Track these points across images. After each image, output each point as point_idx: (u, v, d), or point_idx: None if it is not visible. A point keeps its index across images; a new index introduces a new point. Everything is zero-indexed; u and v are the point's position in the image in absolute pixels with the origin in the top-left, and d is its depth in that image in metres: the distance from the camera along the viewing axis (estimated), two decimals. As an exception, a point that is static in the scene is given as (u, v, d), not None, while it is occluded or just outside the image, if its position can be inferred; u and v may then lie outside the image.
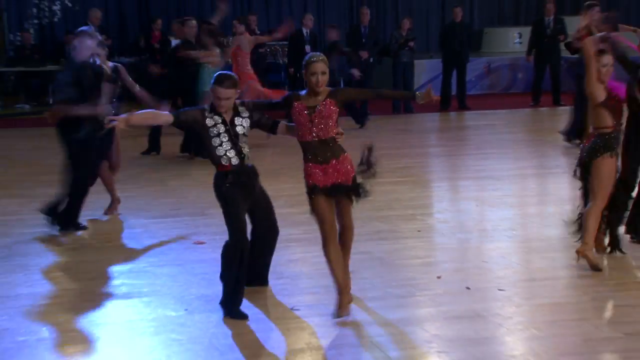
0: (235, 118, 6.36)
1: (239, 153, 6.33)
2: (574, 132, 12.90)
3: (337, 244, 6.30)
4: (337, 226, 6.34)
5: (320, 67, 6.10)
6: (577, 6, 22.10)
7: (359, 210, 9.33)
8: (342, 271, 6.28)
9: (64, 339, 6.02)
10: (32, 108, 18.11)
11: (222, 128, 6.30)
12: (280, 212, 8.14)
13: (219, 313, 6.31)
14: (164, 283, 7.01)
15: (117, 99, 9.11)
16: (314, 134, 6.18)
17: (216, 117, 6.30)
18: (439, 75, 18.26)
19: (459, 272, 7.42)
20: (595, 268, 7.15)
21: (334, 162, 6.20)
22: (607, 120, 7.28)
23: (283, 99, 6.46)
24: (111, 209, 9.38)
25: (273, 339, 5.86)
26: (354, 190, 6.32)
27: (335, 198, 6.27)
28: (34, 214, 9.44)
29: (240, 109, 6.43)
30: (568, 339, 5.86)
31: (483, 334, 5.95)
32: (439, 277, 7.12)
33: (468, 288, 6.80)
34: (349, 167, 6.28)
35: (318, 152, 6.18)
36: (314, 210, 6.28)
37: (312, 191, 6.23)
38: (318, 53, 6.34)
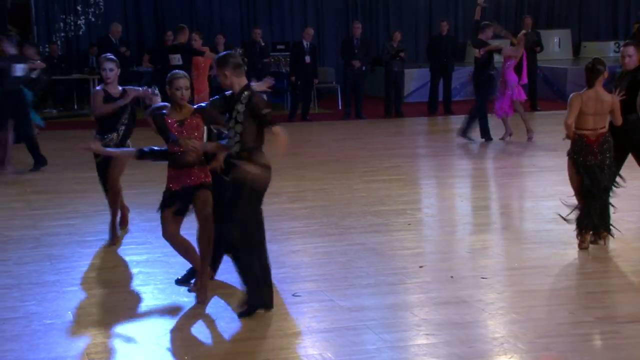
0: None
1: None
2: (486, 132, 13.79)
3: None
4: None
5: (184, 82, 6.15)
6: (552, 21, 22.18)
7: (354, 205, 9.41)
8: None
9: (86, 322, 6.00)
10: (59, 113, 18.14)
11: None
12: (282, 207, 8.13)
13: (226, 298, 6.28)
14: (177, 272, 6.97)
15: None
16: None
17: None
18: (427, 83, 18.26)
19: (446, 261, 7.40)
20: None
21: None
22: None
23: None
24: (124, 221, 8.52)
25: (276, 322, 5.82)
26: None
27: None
28: (58, 208, 9.45)
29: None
30: (545, 323, 5.84)
31: (467, 318, 5.93)
32: (421, 267, 7.09)
33: (452, 277, 6.77)
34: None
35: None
36: None
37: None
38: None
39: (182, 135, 6.10)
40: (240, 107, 5.75)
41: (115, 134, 7.83)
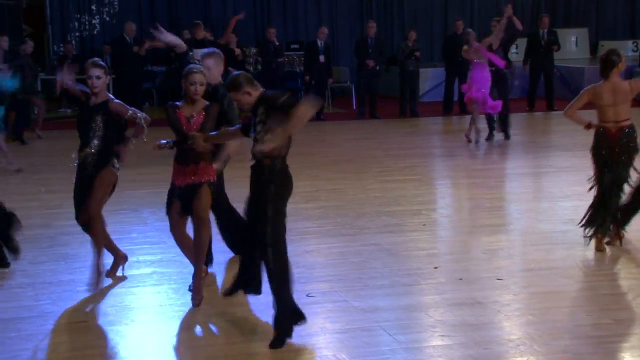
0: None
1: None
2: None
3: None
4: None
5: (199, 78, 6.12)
6: (569, 20, 22.11)
7: (369, 206, 9.41)
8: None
9: (101, 322, 6.03)
10: (73, 112, 18.20)
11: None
12: (296, 207, 8.13)
13: (245, 297, 6.30)
14: (191, 272, 6.99)
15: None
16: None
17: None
18: (443, 83, 18.23)
19: (461, 262, 7.40)
20: None
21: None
22: None
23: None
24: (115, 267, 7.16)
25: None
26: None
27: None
28: (73, 207, 9.47)
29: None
30: (561, 325, 5.83)
31: (483, 320, 5.93)
32: (436, 268, 7.09)
33: (460, 279, 6.76)
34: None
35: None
36: None
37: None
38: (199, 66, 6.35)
39: (191, 131, 6.07)
40: (261, 110, 5.57)
41: (88, 149, 6.63)
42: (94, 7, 19.87)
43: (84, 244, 8.05)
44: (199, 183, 6.16)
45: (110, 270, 6.96)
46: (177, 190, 6.26)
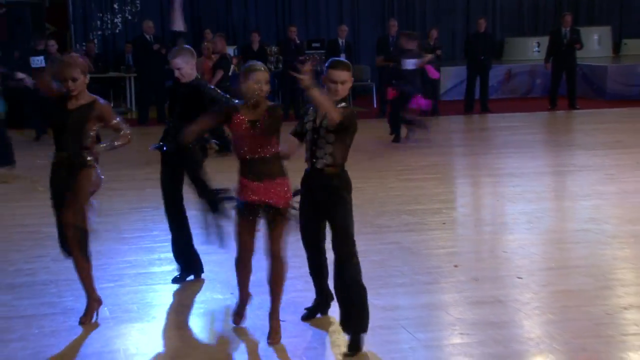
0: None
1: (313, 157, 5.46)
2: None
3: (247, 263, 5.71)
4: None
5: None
6: (592, 18, 22.00)
7: (389, 204, 9.43)
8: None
9: (123, 318, 6.09)
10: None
11: (310, 125, 5.51)
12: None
13: (260, 296, 6.33)
14: (212, 269, 7.05)
15: None
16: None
17: (314, 113, 5.52)
18: (464, 81, 18.22)
19: (481, 261, 7.42)
20: None
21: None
22: None
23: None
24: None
25: (309, 321, 5.87)
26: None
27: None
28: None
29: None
30: (581, 323, 5.83)
31: (502, 318, 5.94)
32: (456, 266, 7.10)
33: (477, 280, 6.76)
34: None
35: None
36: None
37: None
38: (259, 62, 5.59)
39: (254, 137, 5.35)
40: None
41: (65, 153, 5.92)
42: (116, 6, 19.97)
43: (107, 241, 8.13)
44: (275, 207, 5.40)
45: (84, 315, 6.03)
46: (243, 205, 5.49)
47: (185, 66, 6.64)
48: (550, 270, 7.11)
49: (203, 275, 6.96)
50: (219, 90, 6.92)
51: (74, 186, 5.88)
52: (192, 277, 6.93)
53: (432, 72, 13.90)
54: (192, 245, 6.94)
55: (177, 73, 6.67)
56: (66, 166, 5.91)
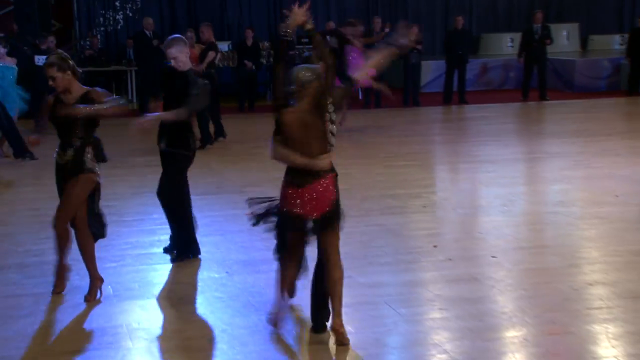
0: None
1: None
2: None
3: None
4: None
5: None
6: (561, 16, 22.01)
7: (374, 189, 9.43)
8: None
9: (125, 296, 6.08)
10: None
11: None
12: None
13: (255, 275, 6.35)
14: (208, 250, 7.05)
15: None
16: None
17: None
18: (443, 74, 18.21)
19: (458, 241, 7.43)
20: None
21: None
22: None
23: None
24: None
25: (300, 297, 5.86)
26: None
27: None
28: (103, 189, 9.52)
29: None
30: (550, 298, 5.86)
31: (478, 294, 5.96)
32: (435, 246, 7.12)
33: (450, 259, 6.78)
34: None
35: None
36: None
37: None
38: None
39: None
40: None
41: (71, 150, 5.82)
42: (117, 3, 19.86)
43: (110, 224, 8.06)
44: (327, 213, 4.90)
45: (88, 293, 6.00)
46: (292, 221, 4.92)
47: (180, 55, 6.56)
48: (522, 249, 7.13)
49: (200, 256, 6.94)
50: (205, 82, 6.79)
51: (67, 192, 5.88)
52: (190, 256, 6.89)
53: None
54: (187, 228, 6.89)
55: (173, 62, 6.57)
56: (66, 169, 5.86)
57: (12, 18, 17.59)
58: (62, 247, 5.99)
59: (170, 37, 6.85)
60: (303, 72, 4.77)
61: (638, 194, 9.19)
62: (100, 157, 5.97)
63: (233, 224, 7.97)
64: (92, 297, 5.97)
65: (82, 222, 5.97)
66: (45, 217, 8.17)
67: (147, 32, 16.74)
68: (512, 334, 5.24)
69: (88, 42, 19.14)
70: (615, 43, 21.43)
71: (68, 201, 5.87)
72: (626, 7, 22.50)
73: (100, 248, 7.19)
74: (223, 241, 7.43)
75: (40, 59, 14.22)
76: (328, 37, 13.80)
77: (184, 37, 6.78)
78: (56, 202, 6.06)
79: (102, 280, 6.09)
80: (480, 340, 5.13)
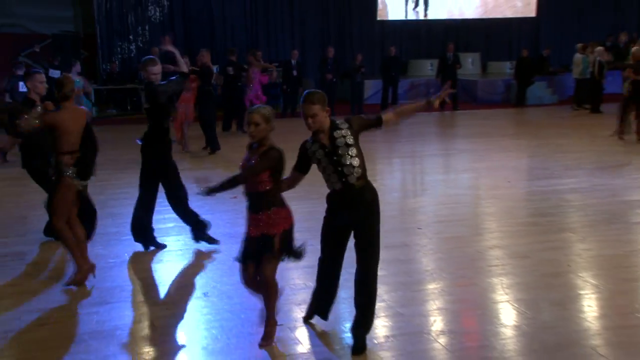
0: (334, 133, 4.15)
1: (342, 176, 4.20)
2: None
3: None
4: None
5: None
6: (467, 46, 22.11)
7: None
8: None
9: (136, 263, 5.98)
10: (117, 112, 17.97)
11: (321, 153, 4.19)
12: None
13: (238, 244, 6.23)
14: (210, 218, 6.95)
15: None
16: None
17: (315, 145, 4.20)
18: (380, 90, 18.21)
19: (393, 217, 7.41)
20: None
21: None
22: None
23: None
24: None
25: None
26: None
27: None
28: (117, 180, 9.36)
29: (339, 122, 4.20)
30: (461, 259, 5.88)
31: (408, 257, 5.96)
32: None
33: (386, 230, 6.74)
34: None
35: None
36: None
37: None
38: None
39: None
40: (341, 132, 4.15)
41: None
42: (131, 37, 19.59)
43: (126, 206, 7.95)
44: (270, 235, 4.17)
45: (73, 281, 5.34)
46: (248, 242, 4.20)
47: (160, 72, 6.13)
48: (440, 222, 7.15)
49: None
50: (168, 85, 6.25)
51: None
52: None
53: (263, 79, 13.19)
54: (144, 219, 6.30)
55: (153, 78, 6.09)
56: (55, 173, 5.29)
57: (50, 50, 17.25)
58: (67, 244, 5.31)
59: (146, 58, 6.33)
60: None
61: (523, 180, 9.29)
62: (82, 171, 5.24)
63: (221, 205, 7.87)
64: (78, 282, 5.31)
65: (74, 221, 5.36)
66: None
67: (154, 58, 16.47)
68: (433, 286, 5.25)
69: (109, 67, 18.81)
70: (506, 68, 21.60)
71: (52, 207, 5.27)
72: (514, 41, 22.76)
73: (119, 224, 7.08)
74: (213, 218, 7.30)
75: (54, 72, 13.89)
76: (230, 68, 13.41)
77: (156, 58, 6.36)
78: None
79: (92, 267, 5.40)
80: (410, 291, 5.13)
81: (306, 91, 4.17)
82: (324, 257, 4.36)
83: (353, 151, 4.15)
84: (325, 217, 4.33)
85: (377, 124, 4.33)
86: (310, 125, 4.13)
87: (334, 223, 4.26)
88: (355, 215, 4.18)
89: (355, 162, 4.17)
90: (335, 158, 4.11)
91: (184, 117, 11.70)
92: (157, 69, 6.14)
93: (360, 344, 4.18)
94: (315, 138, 4.16)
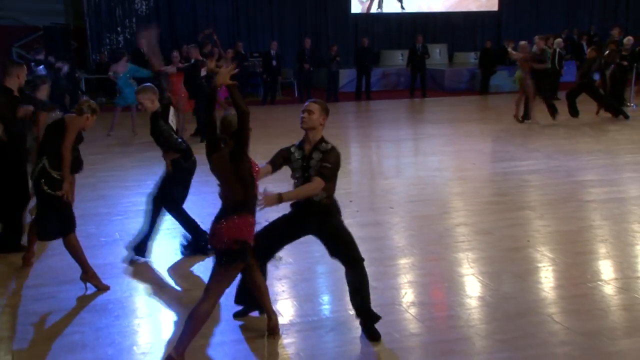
0: (314, 153, 3.98)
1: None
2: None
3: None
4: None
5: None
6: (435, 38, 22.11)
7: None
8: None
9: (128, 240, 5.90)
10: (106, 101, 17.71)
11: (299, 163, 4.00)
12: (258, 162, 8.03)
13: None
14: (188, 206, 6.85)
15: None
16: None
17: (298, 152, 4.02)
18: (354, 79, 18.15)
19: (366, 197, 7.43)
20: None
21: None
22: None
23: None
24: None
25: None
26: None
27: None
28: (107, 163, 9.24)
29: (327, 144, 4.04)
30: (430, 236, 5.91)
31: (380, 234, 5.98)
32: (351, 201, 7.08)
33: (357, 211, 6.76)
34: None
35: None
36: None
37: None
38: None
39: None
40: (317, 155, 3.97)
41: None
42: (119, 29, 19.29)
43: (116, 188, 7.88)
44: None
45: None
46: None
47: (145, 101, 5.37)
48: (411, 202, 7.17)
49: (185, 206, 6.75)
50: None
51: None
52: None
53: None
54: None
55: (140, 107, 5.47)
56: None
57: (42, 40, 16.89)
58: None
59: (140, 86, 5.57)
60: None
61: (487, 162, 9.35)
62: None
63: (206, 186, 7.81)
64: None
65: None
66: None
67: (141, 49, 16.24)
68: (404, 261, 5.28)
69: (98, 57, 18.50)
70: (471, 58, 21.65)
71: None
72: (478, 33, 22.81)
73: (109, 205, 7.01)
74: (198, 199, 7.26)
75: (39, 69, 13.58)
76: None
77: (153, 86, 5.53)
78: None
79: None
80: (383, 266, 5.15)
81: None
82: (260, 240, 3.85)
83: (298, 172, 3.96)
84: (285, 214, 4.09)
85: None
86: (304, 119, 3.97)
87: (292, 221, 4.02)
88: (313, 224, 4.00)
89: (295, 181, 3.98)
90: (306, 175, 3.95)
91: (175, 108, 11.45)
92: (141, 97, 5.40)
93: (363, 318, 3.99)
94: (301, 145, 4.02)
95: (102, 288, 4.76)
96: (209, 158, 3.63)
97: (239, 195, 3.54)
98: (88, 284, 4.80)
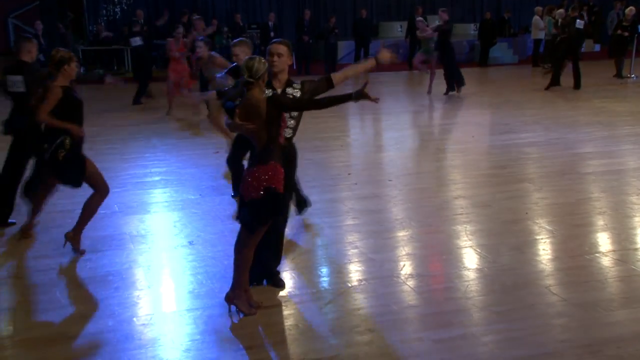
0: (287, 88, 3.99)
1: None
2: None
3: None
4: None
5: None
6: (433, 9, 21.87)
7: (305, 133, 9.26)
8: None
9: (127, 211, 5.90)
10: (104, 71, 17.57)
11: None
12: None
13: (222, 196, 6.22)
14: (186, 179, 6.88)
15: None
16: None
17: (268, 90, 3.81)
18: (353, 51, 17.99)
19: (365, 170, 7.41)
20: None
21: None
22: None
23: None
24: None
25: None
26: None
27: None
28: (105, 136, 9.18)
29: (295, 82, 4.05)
30: (428, 208, 5.90)
31: (379, 207, 5.96)
32: (349, 174, 7.08)
33: (355, 184, 6.71)
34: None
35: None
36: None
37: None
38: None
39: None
40: (292, 91, 3.99)
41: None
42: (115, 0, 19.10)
43: (114, 160, 7.84)
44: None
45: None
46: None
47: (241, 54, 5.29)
48: (409, 175, 7.15)
49: (180, 182, 6.74)
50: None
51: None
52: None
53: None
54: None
55: (235, 59, 5.30)
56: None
57: (38, 11, 16.68)
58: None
59: (235, 40, 5.58)
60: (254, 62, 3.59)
61: (486, 135, 9.30)
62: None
63: (206, 159, 7.79)
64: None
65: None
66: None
67: (139, 21, 16.00)
68: (403, 234, 5.27)
69: (95, 28, 18.29)
70: (470, 29, 21.43)
71: None
72: (477, 4, 22.58)
73: (108, 178, 6.94)
74: (197, 172, 7.25)
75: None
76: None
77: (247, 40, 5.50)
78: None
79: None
80: (381, 239, 5.14)
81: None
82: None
83: (294, 112, 4.00)
84: None
85: (329, 86, 4.17)
86: (274, 62, 3.92)
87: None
88: None
89: (291, 123, 4.06)
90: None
91: (178, 86, 11.18)
92: (237, 50, 5.31)
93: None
94: (270, 85, 3.92)
95: (80, 252, 4.90)
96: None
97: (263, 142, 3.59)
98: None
